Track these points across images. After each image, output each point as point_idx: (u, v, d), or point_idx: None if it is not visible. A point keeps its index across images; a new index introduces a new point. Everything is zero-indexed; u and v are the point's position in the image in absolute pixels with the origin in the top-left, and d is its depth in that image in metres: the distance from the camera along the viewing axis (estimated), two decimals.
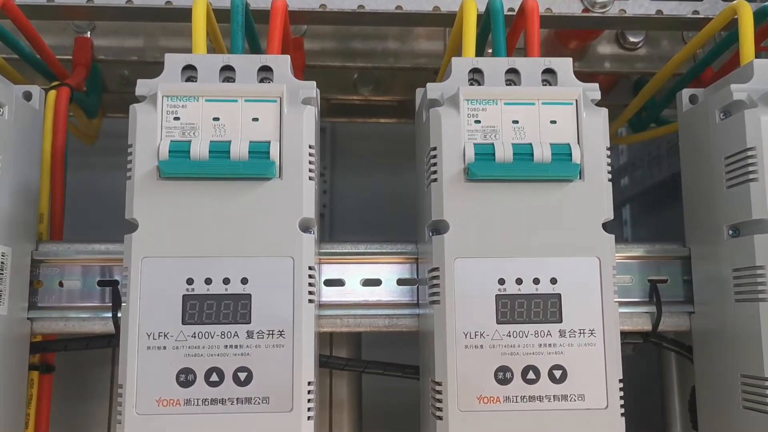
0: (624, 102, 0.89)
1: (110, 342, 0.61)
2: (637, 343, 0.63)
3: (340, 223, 1.27)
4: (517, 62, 0.55)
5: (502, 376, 0.50)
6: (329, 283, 0.61)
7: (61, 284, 0.60)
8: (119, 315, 0.54)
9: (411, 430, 1.02)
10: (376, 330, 0.61)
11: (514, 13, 0.62)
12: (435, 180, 0.53)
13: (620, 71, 0.83)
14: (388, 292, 0.62)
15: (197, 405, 0.49)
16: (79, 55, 0.78)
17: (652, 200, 1.14)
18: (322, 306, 0.60)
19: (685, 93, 0.64)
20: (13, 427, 0.57)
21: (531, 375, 0.51)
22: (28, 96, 0.61)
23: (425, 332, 0.57)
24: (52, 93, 0.67)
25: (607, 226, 0.53)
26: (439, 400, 0.51)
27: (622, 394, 0.51)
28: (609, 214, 0.52)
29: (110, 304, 0.59)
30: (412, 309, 0.61)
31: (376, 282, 0.62)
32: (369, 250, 0.62)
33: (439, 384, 0.51)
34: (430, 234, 0.55)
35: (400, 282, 0.62)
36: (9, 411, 0.56)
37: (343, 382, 0.76)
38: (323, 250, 0.61)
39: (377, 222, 1.24)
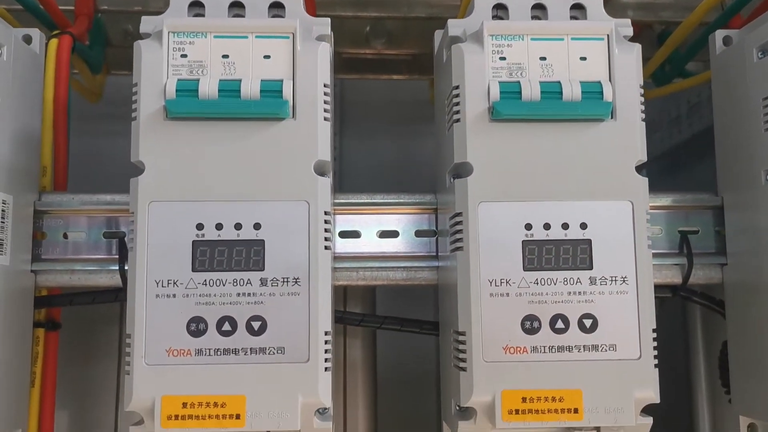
0: (647, 55, 0.85)
1: (117, 296, 0.58)
2: (666, 297, 0.60)
3: (349, 190, 1.24)
4: None
5: (530, 325, 0.48)
6: (344, 234, 0.59)
7: (65, 236, 0.58)
8: (126, 267, 0.52)
9: (425, 395, 1.01)
10: (393, 284, 0.59)
11: None
12: (457, 120, 0.50)
13: (644, 20, 0.80)
14: (406, 244, 0.59)
15: (209, 355, 0.47)
16: (81, 4, 0.75)
17: (671, 164, 1.11)
18: (336, 258, 0.58)
19: (719, 34, 0.60)
20: (17, 383, 0.55)
21: (560, 324, 0.48)
22: (27, 39, 0.58)
23: (446, 285, 0.55)
24: (54, 41, 0.64)
25: (640, 169, 0.50)
26: (463, 351, 0.48)
27: (655, 344, 0.48)
28: (642, 156, 0.50)
29: (117, 257, 0.57)
30: (431, 261, 0.59)
31: (393, 234, 0.59)
32: (386, 201, 0.59)
33: (463, 334, 0.48)
34: (451, 180, 0.52)
35: (419, 233, 0.59)
36: (14, 366, 0.54)
37: (357, 343, 0.74)
38: (338, 201, 0.59)
39: (389, 189, 1.21)
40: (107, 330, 0.73)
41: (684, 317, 0.76)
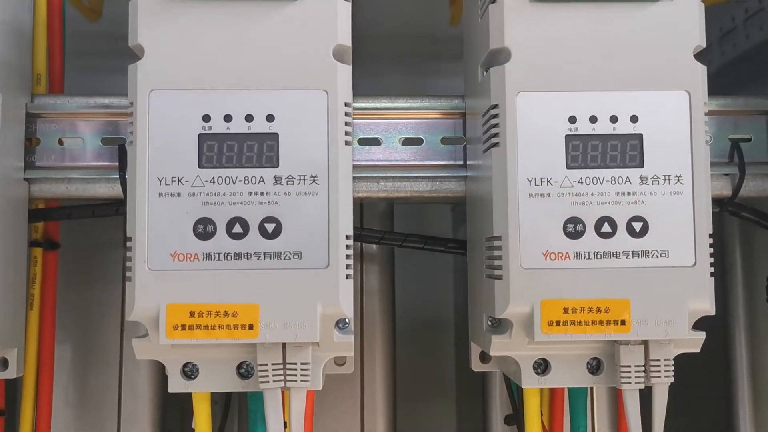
0: None
1: (118, 209, 0.54)
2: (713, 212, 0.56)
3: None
4: None
5: (573, 228, 0.43)
6: (364, 142, 0.54)
7: (60, 142, 0.53)
8: (127, 176, 0.47)
9: (442, 343, 0.98)
10: (417, 196, 0.54)
11: None
12: (494, 1, 0.44)
13: None
14: (431, 152, 0.54)
15: (218, 260, 0.42)
16: None
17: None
18: (355, 168, 0.52)
19: None
20: (11, 299, 0.51)
21: (606, 228, 0.43)
22: None
23: (476, 195, 0.50)
24: None
25: (698, 56, 0.44)
26: (498, 258, 0.44)
27: (711, 251, 0.44)
28: (701, 41, 0.44)
29: (116, 164, 0.52)
30: (459, 171, 0.54)
31: (417, 141, 0.54)
32: (409, 105, 0.54)
33: (498, 239, 0.44)
34: (484, 73, 0.47)
35: (445, 141, 0.54)
36: (8, 281, 0.50)
37: (374, 269, 0.69)
38: (357, 105, 0.53)
39: None
40: (111, 255, 0.69)
41: (721, 233, 0.70)
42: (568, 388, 0.49)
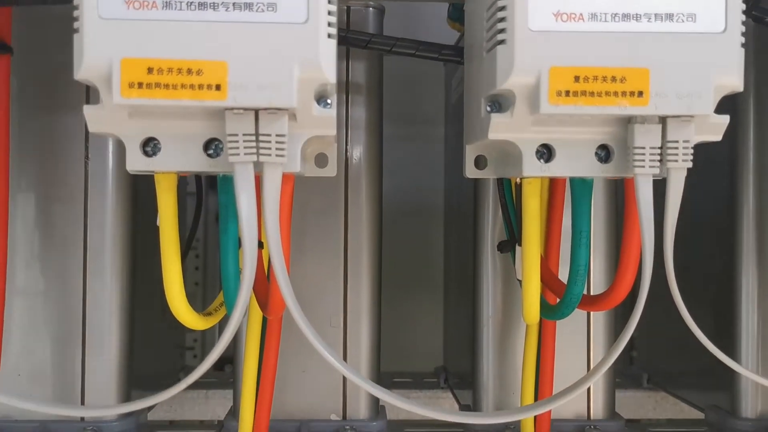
0: None
1: None
2: None
3: None
4: None
5: None
6: None
7: None
8: None
9: (432, 225, 0.94)
10: None
11: None
12: None
13: None
14: None
15: (181, 9, 0.37)
16: None
17: None
18: None
19: None
20: None
21: None
22: None
23: None
24: None
25: None
26: (503, 20, 0.38)
27: (744, 18, 0.38)
28: None
29: None
30: None
31: None
32: None
33: None
34: None
35: None
36: None
37: (361, 66, 0.62)
38: None
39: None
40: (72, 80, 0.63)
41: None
42: (572, 187, 0.45)
